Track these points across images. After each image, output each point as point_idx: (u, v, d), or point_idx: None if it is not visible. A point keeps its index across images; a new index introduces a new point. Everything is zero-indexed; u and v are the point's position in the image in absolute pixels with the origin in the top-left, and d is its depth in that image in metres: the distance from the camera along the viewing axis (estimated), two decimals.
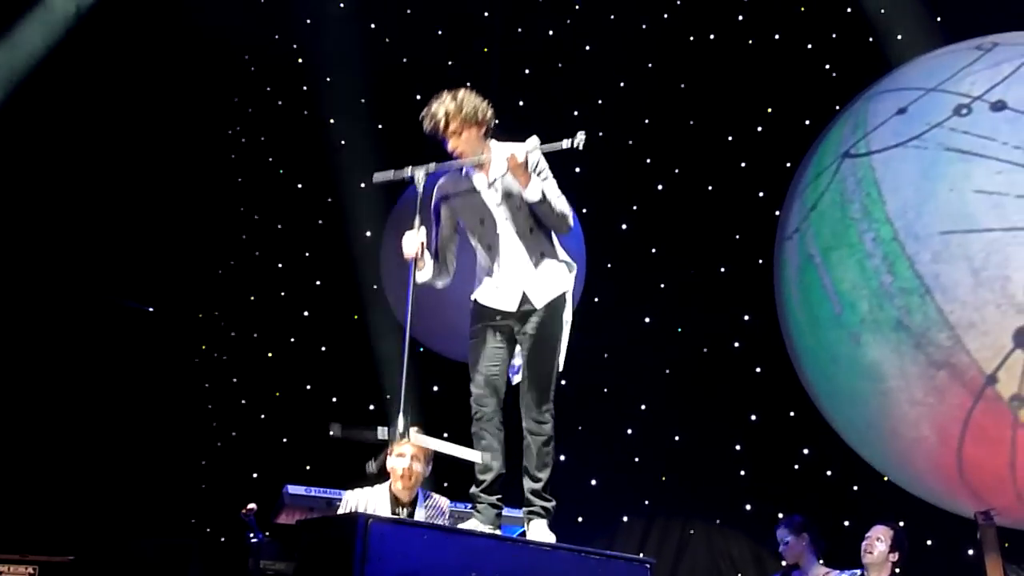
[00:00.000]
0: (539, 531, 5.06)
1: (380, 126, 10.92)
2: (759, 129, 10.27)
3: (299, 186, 11.13)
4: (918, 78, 7.69)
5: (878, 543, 6.94)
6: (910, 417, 7.27)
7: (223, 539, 9.58)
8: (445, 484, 7.45)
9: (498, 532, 5.14)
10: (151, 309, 10.90)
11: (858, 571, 7.01)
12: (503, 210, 5.21)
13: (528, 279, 5.19)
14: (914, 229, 7.04)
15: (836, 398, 7.92)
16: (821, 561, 8.12)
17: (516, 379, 5.26)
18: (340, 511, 5.75)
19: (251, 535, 6.57)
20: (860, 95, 8.07)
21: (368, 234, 10.76)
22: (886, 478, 8.75)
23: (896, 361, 7.14)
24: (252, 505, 6.70)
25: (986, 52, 7.57)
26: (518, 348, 5.26)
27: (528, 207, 5.16)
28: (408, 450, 6.03)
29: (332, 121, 11.06)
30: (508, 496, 5.36)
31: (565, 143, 4.96)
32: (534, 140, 5.04)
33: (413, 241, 5.22)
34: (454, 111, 5.17)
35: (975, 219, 6.86)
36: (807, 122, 9.66)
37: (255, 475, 10.26)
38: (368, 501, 5.93)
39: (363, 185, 10.88)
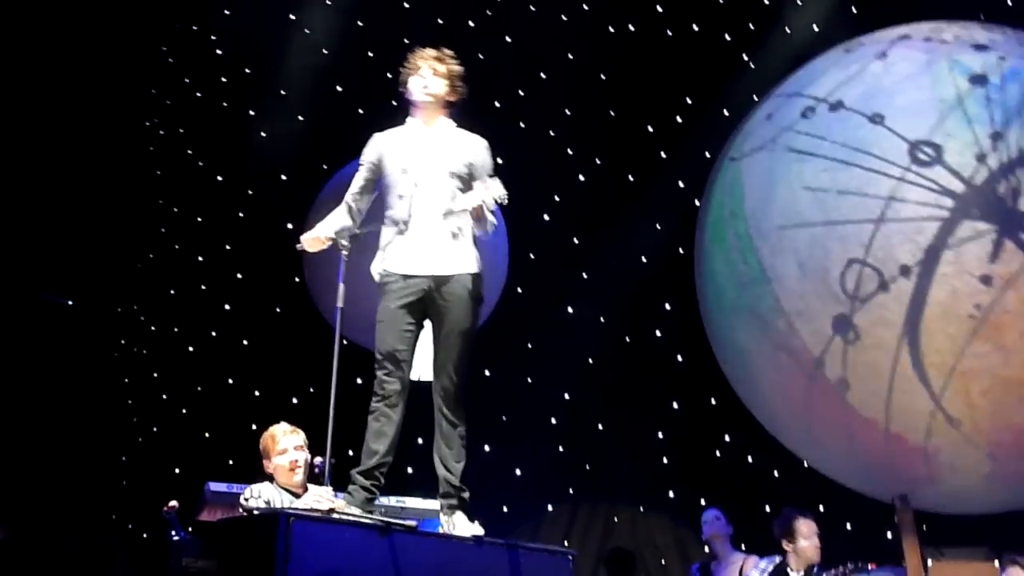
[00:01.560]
0: (463, 524, 5.03)
1: (300, 118, 10.84)
2: (679, 120, 10.35)
3: (219, 178, 11.02)
4: (791, 83, 8.28)
5: (803, 532, 7.01)
6: (774, 397, 8.06)
7: (145, 536, 9.48)
8: None
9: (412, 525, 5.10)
10: (69, 302, 10.73)
11: (777, 557, 7.10)
12: (431, 169, 5.20)
13: (442, 243, 5.15)
14: (760, 225, 7.74)
15: (736, 383, 8.51)
16: (743, 547, 8.25)
17: (427, 376, 5.24)
18: (248, 503, 5.64)
19: (173, 533, 6.52)
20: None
21: (289, 226, 10.67)
22: (806, 463, 8.90)
23: (754, 344, 7.88)
24: (173, 503, 6.65)
25: (848, 53, 8.06)
26: (428, 339, 5.22)
27: (456, 187, 5.17)
28: (291, 442, 5.92)
29: (252, 113, 10.96)
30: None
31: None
32: (501, 192, 5.03)
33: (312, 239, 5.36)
34: (453, 66, 5.33)
35: (802, 215, 7.49)
36: (726, 112, 9.75)
37: (177, 471, 10.16)
38: (271, 496, 5.79)
39: (284, 177, 10.81)
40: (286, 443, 5.88)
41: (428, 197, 5.19)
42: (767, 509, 8.85)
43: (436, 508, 5.35)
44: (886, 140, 7.33)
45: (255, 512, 5.43)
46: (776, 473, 9.43)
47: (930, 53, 7.63)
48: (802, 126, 7.73)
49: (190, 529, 6.73)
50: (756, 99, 9.09)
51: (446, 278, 5.16)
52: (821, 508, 8.25)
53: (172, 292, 10.95)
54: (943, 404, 7.20)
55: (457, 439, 5.17)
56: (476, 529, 5.03)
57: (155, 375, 10.79)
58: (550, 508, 10.12)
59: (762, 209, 7.74)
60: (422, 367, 5.26)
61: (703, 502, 8.91)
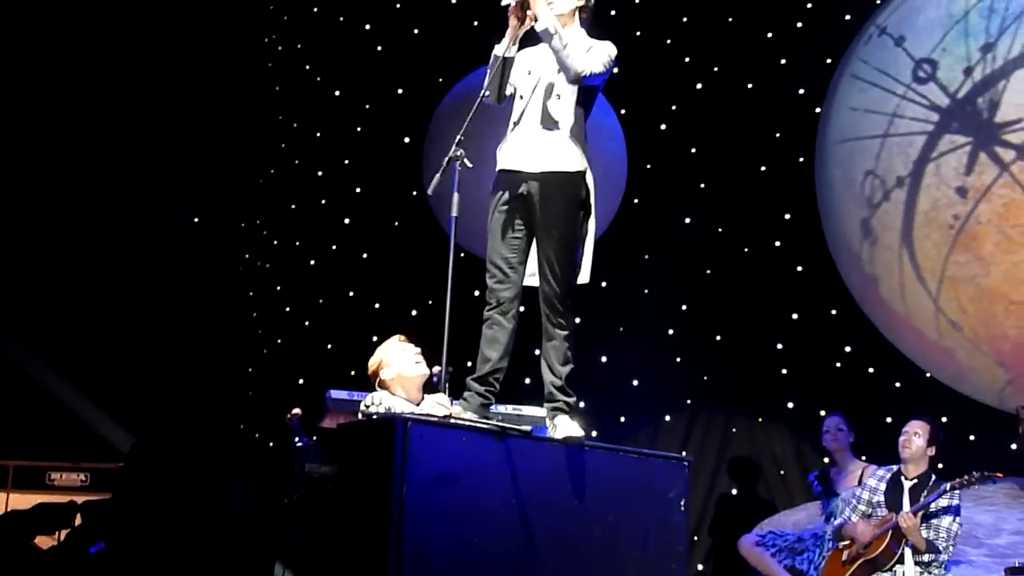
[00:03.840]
0: (566, 425, 5.05)
1: (416, 31, 10.85)
2: (799, 25, 10.09)
3: (336, 93, 11.10)
4: (877, 9, 8.68)
5: (915, 438, 6.94)
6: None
7: (271, 444, 9.75)
8: None
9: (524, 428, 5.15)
10: (196, 219, 11.01)
11: (895, 467, 7.04)
12: (549, 70, 5.22)
13: (548, 136, 5.17)
14: (826, 141, 8.60)
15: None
16: (863, 458, 8.18)
17: (533, 281, 5.25)
18: (369, 409, 5.75)
19: (296, 439, 6.67)
20: None
21: (407, 140, 10.75)
22: (928, 374, 8.76)
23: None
24: (296, 410, 6.80)
25: None
26: (534, 247, 5.23)
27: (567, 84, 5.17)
28: (412, 350, 6.01)
29: (368, 27, 10.99)
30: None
31: None
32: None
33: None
34: None
35: (843, 131, 8.27)
36: (847, 17, 9.48)
37: (301, 381, 10.41)
38: (391, 404, 5.88)
39: (400, 91, 10.85)
40: (409, 350, 5.98)
41: (540, 89, 5.22)
42: (888, 420, 8.76)
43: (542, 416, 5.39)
44: (900, 60, 7.83)
45: (374, 417, 5.53)
46: (898, 384, 9.29)
47: None
48: (861, 52, 8.33)
49: (313, 437, 6.89)
50: (878, 3, 8.85)
51: (543, 176, 5.16)
52: (944, 420, 8.11)
53: (293, 207, 11.12)
54: (941, 307, 7.69)
55: (561, 343, 5.15)
56: (577, 431, 5.03)
57: (278, 288, 11.02)
58: (668, 418, 10.13)
59: (826, 126, 8.57)
60: (531, 273, 5.27)
61: (822, 413, 8.84)
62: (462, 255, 9.19)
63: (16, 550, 7.61)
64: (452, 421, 4.96)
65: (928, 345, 8.10)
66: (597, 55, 5.23)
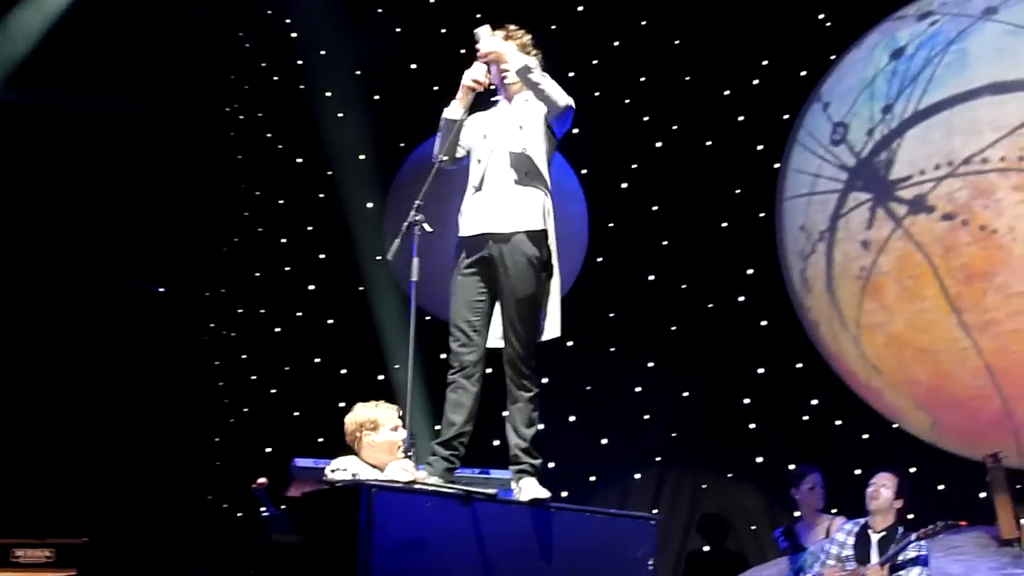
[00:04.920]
0: (531, 488, 5.02)
1: (376, 97, 10.92)
2: (755, 82, 10.23)
3: (299, 160, 11.14)
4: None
5: (883, 490, 6.95)
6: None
7: (239, 514, 9.66)
8: None
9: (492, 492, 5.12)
10: (161, 289, 10.97)
11: (863, 520, 7.03)
12: (508, 130, 5.26)
13: (510, 197, 5.18)
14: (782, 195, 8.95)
15: None
16: (834, 511, 8.17)
17: (498, 343, 5.25)
18: (334, 475, 5.72)
19: (263, 509, 6.61)
20: None
21: (370, 205, 10.78)
22: (895, 425, 8.79)
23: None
24: (262, 479, 6.74)
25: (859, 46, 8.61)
26: (498, 309, 5.24)
27: (529, 139, 5.22)
28: (386, 417, 5.99)
29: (328, 94, 11.06)
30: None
31: None
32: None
33: (478, 70, 5.33)
34: (522, 39, 5.44)
35: (789, 189, 8.73)
36: (803, 73, 9.61)
37: (268, 449, 10.34)
38: (357, 469, 5.84)
39: (362, 157, 10.90)
40: (396, 420, 5.95)
41: (500, 151, 5.25)
42: (857, 472, 8.76)
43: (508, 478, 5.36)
44: (823, 124, 8.35)
45: (337, 484, 5.50)
46: (865, 435, 9.31)
47: (882, 33, 8.33)
48: (803, 117, 8.75)
49: (280, 506, 6.83)
50: (832, 59, 8.97)
51: (505, 236, 5.17)
52: (912, 470, 8.13)
53: (257, 275, 11.11)
54: (863, 351, 8.10)
55: (525, 404, 5.14)
56: (541, 493, 5.01)
57: (244, 356, 10.97)
58: (637, 476, 10.11)
59: (781, 183, 8.86)
60: (495, 335, 5.27)
61: (791, 466, 8.85)
62: (427, 318, 9.21)
63: None
64: (417, 486, 4.94)
65: (862, 387, 8.51)
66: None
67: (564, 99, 5.24)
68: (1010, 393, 7.58)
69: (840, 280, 8.01)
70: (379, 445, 5.89)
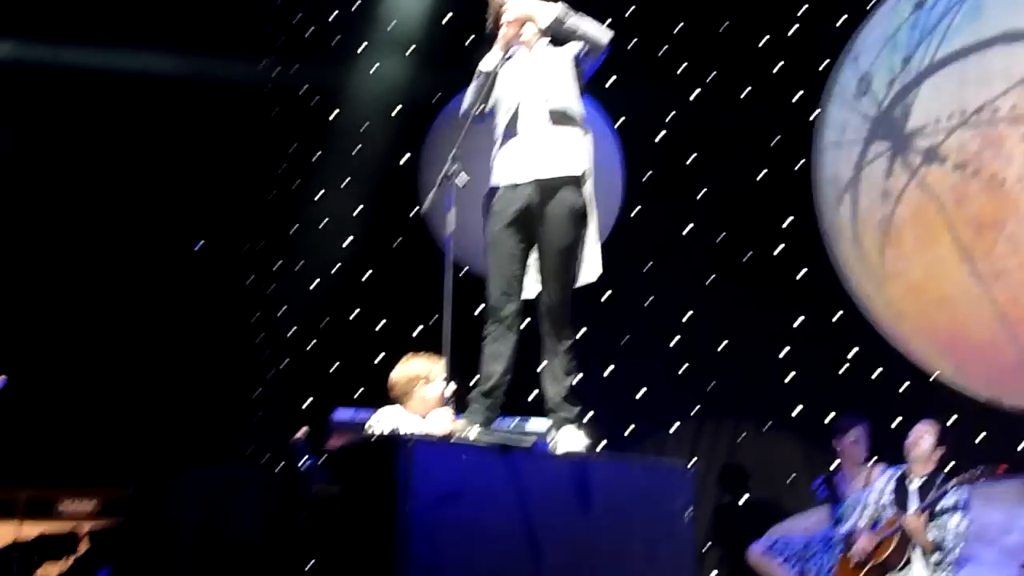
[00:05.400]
0: (569, 438, 5.05)
1: (411, 49, 10.88)
2: (793, 29, 10.10)
3: (334, 113, 11.13)
4: None
5: (924, 439, 6.94)
6: None
7: (279, 466, 9.75)
8: None
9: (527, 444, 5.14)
10: (200, 244, 11.03)
11: (902, 467, 7.03)
12: (539, 75, 5.25)
13: (547, 142, 5.17)
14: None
15: None
16: (874, 459, 8.17)
17: (533, 292, 5.25)
18: (374, 428, 5.77)
19: (302, 461, 6.68)
20: None
21: (404, 159, 10.77)
22: (935, 375, 8.75)
23: None
24: (302, 431, 6.81)
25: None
26: (533, 257, 5.22)
27: (559, 82, 5.21)
28: (439, 371, 6.02)
29: (363, 47, 11.03)
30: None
31: None
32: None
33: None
34: None
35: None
36: (843, 18, 9.49)
37: (307, 402, 10.41)
38: (400, 421, 5.89)
39: (397, 109, 10.88)
40: (444, 373, 5.99)
41: (530, 97, 5.24)
42: (896, 423, 8.74)
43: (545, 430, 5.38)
44: (851, 76, 8.47)
45: (375, 436, 5.55)
46: (905, 386, 9.27)
47: None
48: (836, 69, 8.78)
49: (320, 458, 6.89)
50: (869, 7, 8.85)
51: (544, 184, 5.15)
52: (952, 420, 8.09)
53: (294, 229, 11.15)
54: (888, 299, 8.29)
55: (564, 354, 5.16)
56: (581, 442, 5.03)
57: (282, 310, 11.03)
58: (675, 427, 10.12)
59: (817, 132, 8.93)
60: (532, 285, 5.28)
61: (829, 418, 8.83)
62: (464, 272, 9.22)
63: None
64: (455, 438, 4.97)
65: (892, 336, 8.67)
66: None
67: (604, 35, 5.23)
68: None
69: (864, 229, 8.13)
70: (431, 399, 5.94)
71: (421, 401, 5.96)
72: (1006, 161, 7.31)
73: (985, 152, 7.34)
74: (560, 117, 5.20)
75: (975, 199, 7.43)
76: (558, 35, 5.25)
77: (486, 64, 5.32)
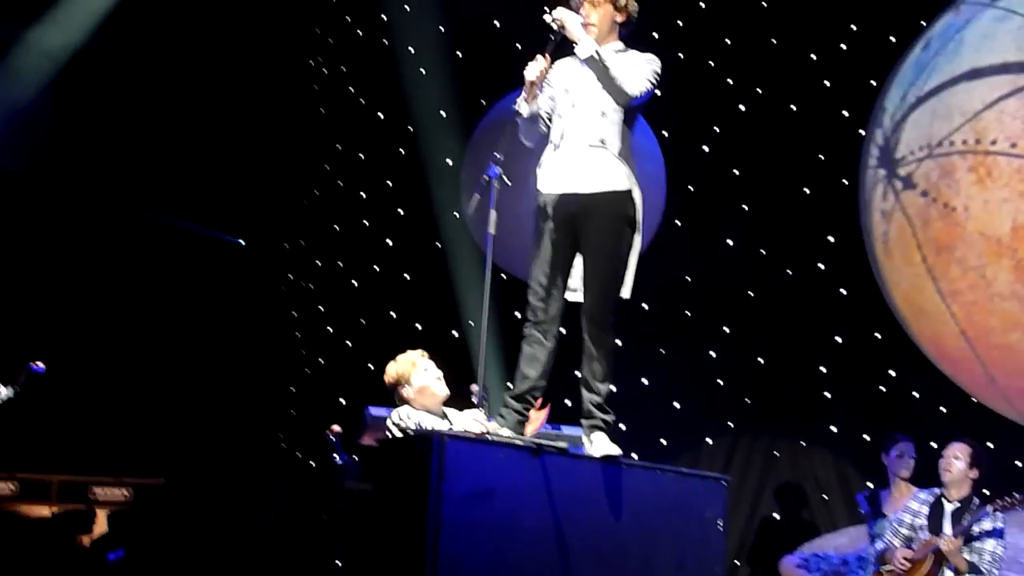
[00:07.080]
0: (602, 444, 5.04)
1: (459, 54, 10.91)
2: (843, 47, 10.05)
3: (380, 115, 11.18)
4: None
5: (956, 461, 6.87)
6: None
7: (312, 462, 9.78)
8: None
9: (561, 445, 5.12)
10: (241, 242, 11.12)
11: (938, 490, 6.96)
12: (590, 88, 5.19)
13: (588, 158, 5.14)
14: None
15: None
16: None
17: (575, 296, 5.24)
18: (401, 423, 5.75)
19: (335, 457, 6.69)
20: None
21: (449, 161, 10.80)
22: (974, 399, 8.66)
23: None
24: (336, 426, 6.81)
25: None
26: (578, 261, 5.21)
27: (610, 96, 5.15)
28: (426, 361, 6.02)
29: (411, 50, 11.07)
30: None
31: None
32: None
33: (536, 66, 5.21)
34: None
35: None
36: (892, 39, 9.44)
37: (342, 400, 10.45)
38: (419, 419, 5.87)
39: (443, 113, 10.91)
40: (432, 371, 5.99)
41: (581, 105, 5.19)
42: (933, 445, 8.65)
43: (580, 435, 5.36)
44: (881, 106, 8.74)
45: (410, 433, 5.54)
46: (943, 408, 9.18)
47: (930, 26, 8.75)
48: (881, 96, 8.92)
49: (353, 455, 6.89)
50: (924, 25, 8.79)
51: (588, 197, 5.13)
52: (990, 445, 8.01)
53: (336, 228, 11.19)
54: (898, 310, 8.56)
55: (602, 360, 5.13)
56: (612, 449, 5.01)
57: (321, 308, 11.08)
58: (709, 441, 10.07)
59: (865, 151, 8.94)
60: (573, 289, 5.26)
61: (866, 438, 8.76)
62: (503, 276, 9.23)
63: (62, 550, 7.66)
64: (489, 438, 4.96)
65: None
66: (642, 73, 5.20)
67: (630, 89, 5.13)
68: (986, 358, 8.04)
69: (876, 245, 8.62)
70: (429, 384, 5.93)
71: (421, 391, 5.94)
72: (956, 190, 7.87)
73: (941, 182, 7.95)
74: (604, 137, 5.14)
75: (934, 223, 8.00)
76: (594, 71, 5.19)
77: (520, 107, 5.27)
